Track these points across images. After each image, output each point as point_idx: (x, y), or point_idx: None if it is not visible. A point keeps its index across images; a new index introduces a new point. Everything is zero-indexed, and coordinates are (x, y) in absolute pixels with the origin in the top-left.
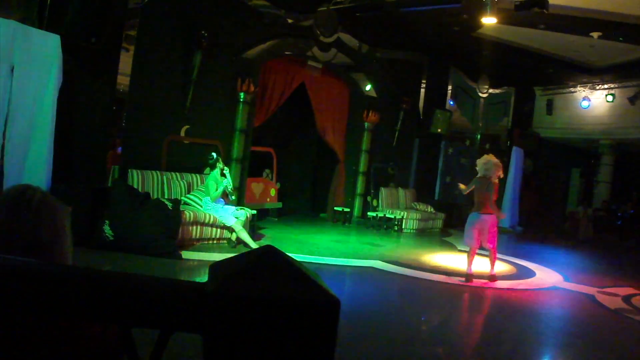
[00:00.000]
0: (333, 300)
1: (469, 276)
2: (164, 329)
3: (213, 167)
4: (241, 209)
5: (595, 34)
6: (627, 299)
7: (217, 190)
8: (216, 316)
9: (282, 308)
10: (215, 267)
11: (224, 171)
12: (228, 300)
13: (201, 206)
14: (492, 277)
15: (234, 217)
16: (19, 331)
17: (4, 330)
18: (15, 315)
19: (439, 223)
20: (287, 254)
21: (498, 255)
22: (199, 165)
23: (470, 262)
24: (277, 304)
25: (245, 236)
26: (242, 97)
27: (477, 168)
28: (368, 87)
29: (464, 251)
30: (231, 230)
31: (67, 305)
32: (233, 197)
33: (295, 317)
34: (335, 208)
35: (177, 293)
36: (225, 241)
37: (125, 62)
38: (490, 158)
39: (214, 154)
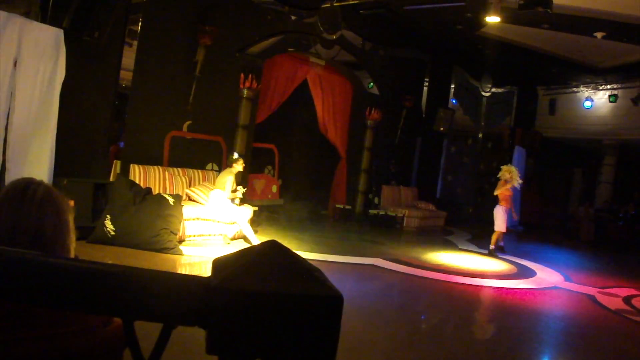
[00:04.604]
0: (336, 295)
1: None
2: (167, 323)
3: (231, 165)
4: (244, 205)
5: (599, 34)
6: (627, 299)
7: (230, 190)
8: (220, 310)
9: (286, 302)
10: (218, 261)
11: (239, 189)
12: (232, 294)
13: (205, 200)
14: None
15: (238, 213)
16: (22, 324)
17: (7, 323)
18: (18, 307)
19: (440, 221)
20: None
21: (499, 255)
22: (201, 161)
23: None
24: (282, 298)
25: (248, 232)
26: (244, 93)
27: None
28: (371, 85)
29: (465, 250)
30: (233, 226)
31: (71, 298)
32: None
33: (299, 312)
34: (337, 205)
35: (181, 287)
36: (225, 237)
37: (128, 57)
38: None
39: (236, 154)
